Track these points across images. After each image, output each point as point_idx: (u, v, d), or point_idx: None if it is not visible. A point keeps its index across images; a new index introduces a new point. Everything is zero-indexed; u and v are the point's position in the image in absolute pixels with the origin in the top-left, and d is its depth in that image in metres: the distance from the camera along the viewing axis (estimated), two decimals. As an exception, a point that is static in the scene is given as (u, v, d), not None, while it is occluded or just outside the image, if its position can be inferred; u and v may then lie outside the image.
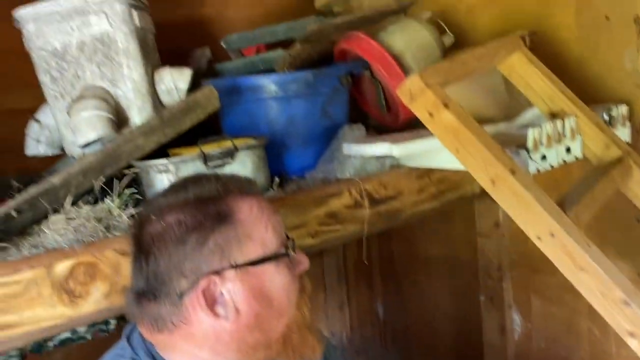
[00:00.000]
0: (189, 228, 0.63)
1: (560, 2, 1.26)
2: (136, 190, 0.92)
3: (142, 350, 0.68)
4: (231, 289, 0.64)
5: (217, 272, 0.64)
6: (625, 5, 1.17)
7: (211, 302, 0.64)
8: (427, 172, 1.15)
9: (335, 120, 1.17)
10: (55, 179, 0.86)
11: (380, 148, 1.03)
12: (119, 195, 0.89)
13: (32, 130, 1.09)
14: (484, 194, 1.32)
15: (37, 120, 1.09)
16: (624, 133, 1.12)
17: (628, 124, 1.14)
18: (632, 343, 0.80)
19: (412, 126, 1.22)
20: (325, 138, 1.15)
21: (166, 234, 0.63)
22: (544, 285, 1.45)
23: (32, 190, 0.85)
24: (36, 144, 1.09)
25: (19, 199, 0.84)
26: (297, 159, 1.15)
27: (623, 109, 1.13)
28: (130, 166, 0.93)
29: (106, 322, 1.52)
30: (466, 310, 1.66)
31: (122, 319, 1.52)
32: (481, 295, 1.57)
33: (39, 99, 1.08)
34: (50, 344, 1.44)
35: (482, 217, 1.51)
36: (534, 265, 1.46)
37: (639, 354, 0.80)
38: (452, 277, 1.69)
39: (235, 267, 0.64)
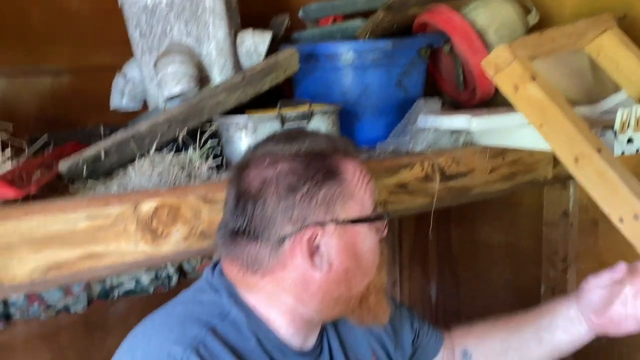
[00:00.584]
0: (301, 178, 0.65)
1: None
2: (216, 144, 0.95)
3: (224, 289, 0.70)
4: (329, 242, 0.67)
5: (321, 224, 0.66)
6: None
7: (311, 252, 0.66)
8: (501, 152, 1.13)
9: (410, 93, 1.16)
10: (142, 127, 0.90)
11: (458, 121, 1.02)
12: (201, 147, 0.92)
13: (118, 83, 1.13)
14: (556, 180, 1.30)
15: (124, 74, 1.13)
16: None
17: None
18: None
19: (488, 105, 1.20)
20: (399, 110, 1.15)
21: (279, 180, 0.65)
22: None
23: (120, 135, 0.89)
24: (120, 97, 1.13)
25: (108, 142, 0.88)
26: (368, 130, 1.15)
27: None
28: (211, 121, 0.96)
29: (169, 278, 1.59)
30: (525, 300, 1.62)
31: (183, 276, 1.59)
32: (543, 286, 1.54)
33: (124, 57, 1.13)
34: (116, 292, 1.52)
35: (550, 205, 1.47)
36: (602, 258, 1.41)
37: None
38: (513, 265, 1.65)
39: (337, 222, 0.67)
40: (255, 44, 1.08)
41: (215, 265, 0.75)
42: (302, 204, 0.65)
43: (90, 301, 1.40)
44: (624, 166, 0.84)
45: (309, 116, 0.98)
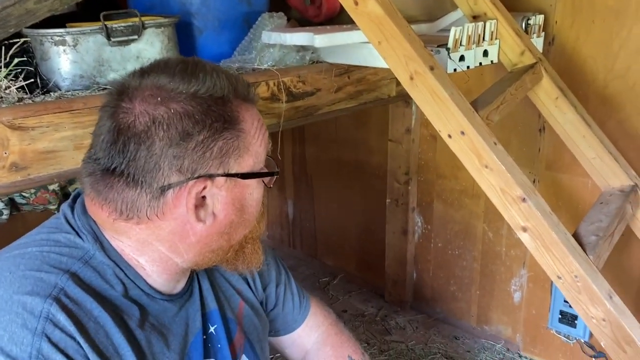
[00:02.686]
0: (197, 124, 0.58)
1: None
2: (27, 61, 0.83)
3: (88, 232, 0.62)
4: (216, 195, 0.61)
5: (211, 177, 0.60)
6: None
7: (196, 204, 0.60)
8: (347, 71, 1.13)
9: (254, 7, 1.10)
10: None
11: (301, 37, 0.98)
12: (7, 64, 0.80)
13: None
14: (399, 97, 1.34)
15: None
16: (538, 42, 1.14)
17: (543, 34, 1.17)
18: (524, 237, 0.85)
19: (333, 22, 1.18)
20: (243, 25, 1.09)
21: (171, 123, 0.57)
22: (446, 190, 1.53)
23: None
24: None
25: None
26: (211, 45, 1.08)
27: (540, 19, 1.15)
28: (20, 34, 0.84)
29: (-1, 212, 1.43)
30: (372, 212, 1.73)
31: (16, 209, 1.44)
32: (387, 199, 1.63)
33: None
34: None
35: (394, 122, 1.53)
36: (439, 171, 1.52)
37: (529, 246, 0.85)
38: (362, 181, 1.73)
39: (228, 176, 0.61)
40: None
41: (74, 200, 0.66)
42: (195, 154, 0.58)
43: None
44: (455, 84, 0.87)
45: (138, 29, 0.89)
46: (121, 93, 0.59)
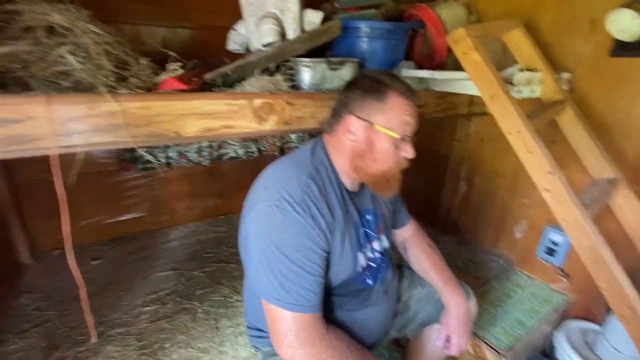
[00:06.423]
0: (367, 89, 0.61)
1: (544, 4, 1.10)
2: (291, 74, 0.90)
3: (321, 149, 0.65)
4: (360, 129, 0.62)
5: (362, 118, 0.61)
6: (582, 11, 1.01)
7: (349, 129, 0.62)
8: (443, 95, 1.08)
9: (397, 57, 1.08)
10: (252, 58, 0.84)
11: (425, 73, 0.97)
12: (283, 73, 0.87)
13: (232, 35, 1.05)
14: (468, 115, 1.26)
15: (235, 29, 1.04)
16: (565, 87, 1.02)
17: (568, 84, 1.05)
18: (546, 195, 0.79)
19: (440, 68, 1.14)
20: (391, 66, 1.08)
21: (357, 85, 0.62)
22: (484, 171, 1.43)
23: (240, 62, 0.84)
24: (233, 44, 1.05)
25: (231, 66, 0.83)
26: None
27: (567, 75, 1.03)
28: (289, 60, 0.91)
29: (252, 152, 1.57)
30: (436, 180, 1.66)
31: (259, 152, 1.56)
32: (447, 174, 1.56)
33: (235, 18, 1.03)
34: (225, 157, 1.51)
35: (459, 129, 1.45)
36: (481, 159, 1.42)
37: (549, 201, 0.79)
38: (433, 160, 1.64)
39: (371, 123, 0.61)
40: (314, 17, 0.99)
41: (318, 137, 0.70)
42: (361, 102, 0.61)
43: (211, 160, 1.41)
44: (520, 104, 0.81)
45: (343, 63, 0.92)
46: (355, 77, 0.64)
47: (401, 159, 0.64)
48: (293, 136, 1.61)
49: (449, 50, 1.05)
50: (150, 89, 0.69)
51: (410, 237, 0.85)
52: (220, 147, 1.45)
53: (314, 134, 1.65)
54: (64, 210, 0.58)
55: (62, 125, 0.57)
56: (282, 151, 1.60)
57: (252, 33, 1.00)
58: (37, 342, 0.92)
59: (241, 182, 1.55)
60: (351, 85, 0.62)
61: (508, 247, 1.40)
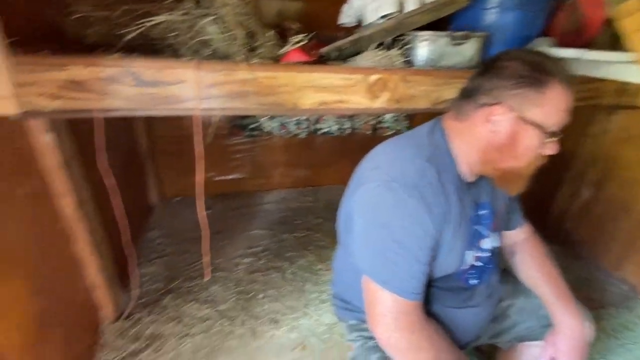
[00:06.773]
0: (523, 77, 0.52)
1: None
2: (407, 48, 0.85)
3: (440, 132, 0.58)
4: (505, 121, 0.53)
5: (510, 108, 0.53)
6: None
7: (490, 119, 0.54)
8: (588, 80, 0.89)
9: (532, 32, 0.93)
10: (368, 32, 0.82)
11: (571, 52, 0.81)
12: (399, 48, 0.83)
13: (346, 7, 1.02)
14: (616, 107, 1.03)
15: (349, 2, 1.01)
16: None
17: None
18: None
19: (583, 47, 0.94)
20: (521, 44, 0.93)
21: (507, 70, 0.52)
22: (621, 176, 1.18)
23: (354, 36, 0.82)
24: (346, 17, 1.03)
25: (347, 40, 0.81)
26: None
27: None
28: (403, 35, 0.85)
29: (346, 129, 1.58)
30: (549, 182, 1.43)
31: (353, 130, 1.56)
32: (567, 174, 1.33)
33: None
34: (320, 132, 1.55)
35: (596, 123, 1.20)
36: (619, 162, 1.17)
37: None
38: (551, 161, 1.42)
39: (519, 116, 0.52)
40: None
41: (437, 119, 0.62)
42: (510, 90, 0.51)
43: (308, 133, 1.47)
44: None
45: (468, 37, 0.83)
46: (494, 57, 0.55)
47: (541, 156, 0.56)
48: (388, 116, 1.55)
49: (605, 25, 0.85)
50: (275, 59, 0.72)
51: (522, 241, 0.76)
52: (317, 121, 1.49)
53: (411, 116, 1.57)
54: (200, 164, 0.66)
55: (205, 90, 0.64)
56: (375, 130, 1.57)
57: (368, 4, 0.96)
58: (161, 270, 1.12)
59: (330, 157, 1.58)
60: (497, 69, 0.53)
61: (636, 272, 1.17)
